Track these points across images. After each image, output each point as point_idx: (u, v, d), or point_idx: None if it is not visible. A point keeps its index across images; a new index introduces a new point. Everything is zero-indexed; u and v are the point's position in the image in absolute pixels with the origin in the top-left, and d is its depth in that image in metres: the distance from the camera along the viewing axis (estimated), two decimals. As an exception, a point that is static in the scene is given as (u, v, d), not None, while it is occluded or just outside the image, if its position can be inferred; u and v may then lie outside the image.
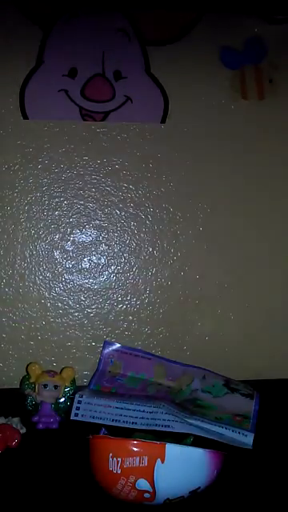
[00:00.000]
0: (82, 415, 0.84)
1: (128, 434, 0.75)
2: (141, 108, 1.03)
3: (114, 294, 1.03)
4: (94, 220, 1.03)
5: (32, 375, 0.89)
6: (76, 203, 1.02)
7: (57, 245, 1.02)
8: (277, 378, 1.06)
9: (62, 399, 0.89)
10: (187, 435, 0.75)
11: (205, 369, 0.97)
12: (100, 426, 0.75)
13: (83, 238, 1.03)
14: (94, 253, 1.03)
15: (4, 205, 1.00)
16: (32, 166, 1.01)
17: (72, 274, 1.02)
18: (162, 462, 0.55)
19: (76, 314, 1.02)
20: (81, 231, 1.02)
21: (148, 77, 1.04)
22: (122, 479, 0.55)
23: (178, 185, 1.05)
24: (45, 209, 1.01)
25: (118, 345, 0.98)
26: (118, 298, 1.03)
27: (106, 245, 1.03)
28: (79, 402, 0.86)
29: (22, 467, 0.69)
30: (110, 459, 0.56)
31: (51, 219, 1.01)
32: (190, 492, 0.57)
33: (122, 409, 0.83)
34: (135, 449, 0.55)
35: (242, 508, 0.59)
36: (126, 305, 1.04)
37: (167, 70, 1.05)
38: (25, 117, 1.00)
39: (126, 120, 1.03)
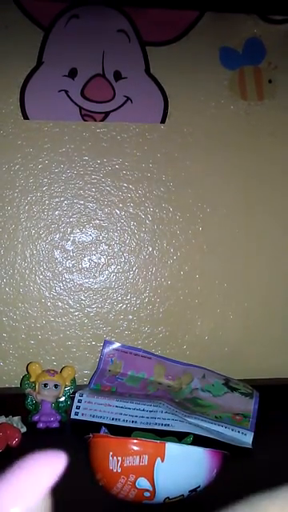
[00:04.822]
0: (82, 414, 0.85)
1: (128, 432, 0.75)
2: (141, 108, 1.04)
3: (114, 293, 1.04)
4: (94, 220, 1.03)
5: (32, 374, 0.90)
6: (76, 203, 1.03)
7: (57, 244, 1.02)
8: (276, 377, 1.06)
9: (63, 398, 0.89)
10: (187, 434, 0.76)
11: (205, 368, 0.97)
12: (100, 424, 0.76)
13: (83, 237, 1.03)
14: (94, 252, 1.03)
15: (4, 205, 1.00)
16: (32, 166, 1.01)
17: (72, 273, 1.02)
18: (162, 460, 0.55)
19: (76, 314, 1.02)
20: (81, 231, 1.03)
21: (148, 77, 1.04)
22: (122, 478, 0.56)
23: (177, 185, 1.05)
24: (45, 208, 1.01)
25: (118, 344, 0.99)
26: (118, 297, 1.04)
27: (106, 244, 1.03)
28: (79, 401, 0.86)
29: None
30: (110, 458, 0.56)
31: (51, 219, 1.02)
32: (189, 491, 0.57)
33: (122, 408, 0.84)
34: (135, 448, 0.56)
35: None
36: (126, 304, 1.04)
37: (167, 70, 1.05)
38: (25, 117, 1.00)
39: (126, 120, 1.03)
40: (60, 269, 1.02)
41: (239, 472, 0.68)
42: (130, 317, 1.04)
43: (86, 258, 1.03)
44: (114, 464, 0.56)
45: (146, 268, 1.04)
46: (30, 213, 1.01)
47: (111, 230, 1.04)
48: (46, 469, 0.20)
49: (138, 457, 0.55)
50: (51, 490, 0.20)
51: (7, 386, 0.99)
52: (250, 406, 0.88)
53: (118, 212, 1.04)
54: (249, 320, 1.08)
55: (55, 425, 0.85)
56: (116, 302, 1.04)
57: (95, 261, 1.03)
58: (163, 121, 1.05)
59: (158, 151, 1.05)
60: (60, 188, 1.02)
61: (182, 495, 0.57)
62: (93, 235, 1.03)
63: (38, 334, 1.01)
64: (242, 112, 1.08)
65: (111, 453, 0.56)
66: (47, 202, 1.01)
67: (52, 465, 0.20)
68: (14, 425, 0.80)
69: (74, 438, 0.80)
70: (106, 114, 1.03)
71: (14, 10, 1.00)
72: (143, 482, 0.55)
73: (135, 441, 0.56)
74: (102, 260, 1.03)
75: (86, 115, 1.02)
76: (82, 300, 1.03)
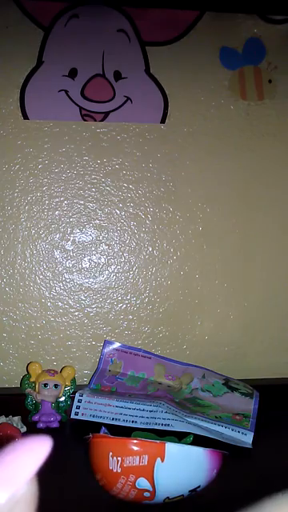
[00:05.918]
0: (82, 414, 0.85)
1: (128, 432, 0.75)
2: (141, 108, 1.04)
3: (114, 293, 1.04)
4: (94, 220, 1.03)
5: (32, 374, 0.90)
6: (76, 203, 1.03)
7: (57, 244, 1.02)
8: (276, 376, 1.06)
9: (63, 398, 0.89)
10: (187, 434, 0.76)
11: (205, 368, 0.97)
12: (100, 424, 0.76)
13: (83, 237, 1.03)
14: (94, 252, 1.03)
15: (4, 205, 1.00)
16: (32, 166, 1.01)
17: (72, 273, 1.02)
18: (162, 460, 0.55)
19: (76, 314, 1.02)
20: (81, 231, 1.03)
21: (148, 77, 1.04)
22: (121, 478, 0.56)
23: (177, 185, 1.05)
24: (45, 208, 1.01)
25: (118, 344, 0.99)
26: (117, 297, 1.04)
27: (105, 244, 1.03)
28: (79, 400, 0.87)
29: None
30: (110, 458, 0.56)
31: (51, 219, 1.02)
32: (189, 491, 0.57)
33: (121, 407, 0.84)
34: (135, 448, 0.56)
35: (242, 507, 0.60)
36: (126, 304, 1.04)
37: (167, 70, 1.05)
38: (25, 117, 1.00)
39: (125, 120, 1.03)
40: (60, 269, 1.02)
41: (239, 472, 0.68)
42: (130, 317, 1.04)
43: (85, 258, 1.03)
44: (113, 464, 0.56)
45: (146, 268, 1.04)
46: (30, 213, 1.01)
47: (111, 229, 1.04)
48: (30, 453, 0.20)
49: (138, 457, 0.55)
50: (37, 474, 0.21)
51: (7, 386, 0.99)
52: (250, 405, 0.88)
53: (118, 212, 1.04)
54: (249, 320, 1.08)
55: (55, 425, 0.85)
56: (116, 302, 1.04)
57: (95, 261, 1.03)
58: (163, 121, 1.05)
59: (157, 151, 1.05)
60: (60, 188, 1.02)
61: (182, 495, 0.57)
62: (93, 235, 1.03)
63: (38, 334, 1.01)
64: (242, 112, 1.08)
65: (111, 453, 0.56)
66: (47, 201, 1.02)
67: (36, 449, 0.20)
68: (14, 425, 0.80)
69: (74, 437, 0.80)
70: (106, 114, 1.03)
71: (15, 9, 1.00)
72: (143, 482, 0.55)
73: (135, 441, 0.56)
74: (102, 260, 1.03)
75: (86, 115, 1.02)
76: (81, 300, 1.03)
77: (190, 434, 0.76)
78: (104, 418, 0.83)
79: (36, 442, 0.21)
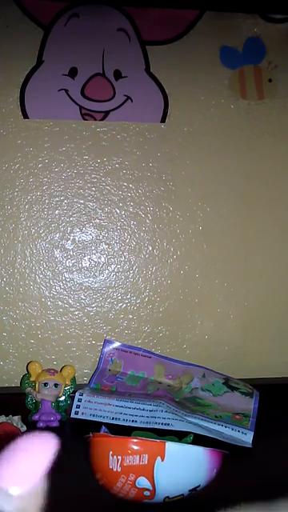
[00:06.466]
0: (82, 413, 0.85)
1: (128, 432, 0.75)
2: (141, 107, 1.04)
3: (114, 292, 1.04)
4: (94, 219, 1.03)
5: (32, 374, 0.90)
6: (76, 202, 1.02)
7: (57, 244, 1.02)
8: (276, 376, 1.06)
9: (63, 398, 0.89)
10: (187, 433, 0.76)
11: (205, 367, 0.97)
12: (100, 424, 0.76)
13: (83, 236, 1.03)
14: (94, 251, 1.03)
15: (4, 204, 1.00)
16: (32, 165, 1.01)
17: (72, 272, 1.02)
18: (162, 460, 0.55)
19: (76, 313, 1.02)
20: (81, 230, 1.03)
21: (148, 76, 1.04)
22: (122, 477, 0.56)
23: (177, 184, 1.05)
24: (45, 208, 1.01)
25: (119, 343, 0.99)
26: (118, 296, 1.04)
27: (106, 244, 1.03)
28: (79, 400, 0.86)
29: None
30: (111, 457, 0.56)
31: (51, 218, 1.02)
32: (189, 490, 0.57)
33: (122, 407, 0.84)
34: (135, 447, 0.56)
35: (242, 507, 0.60)
36: (126, 303, 1.04)
37: (167, 69, 1.05)
38: (25, 116, 1.00)
39: (126, 119, 1.03)
40: (60, 268, 1.02)
41: (239, 472, 0.68)
42: (130, 316, 1.04)
43: (85, 258, 1.03)
44: (113, 463, 0.56)
45: (146, 267, 1.04)
46: (29, 212, 1.01)
47: (111, 229, 1.03)
48: (42, 449, 0.20)
49: (138, 456, 0.55)
50: (48, 471, 0.21)
51: (7, 385, 0.99)
52: (250, 405, 0.88)
53: (118, 211, 1.04)
54: (249, 319, 1.08)
55: (55, 424, 0.85)
56: (116, 302, 1.04)
57: (95, 260, 1.03)
58: (163, 120, 1.05)
59: (157, 150, 1.05)
60: (60, 187, 1.02)
61: (182, 494, 0.57)
62: (93, 234, 1.03)
63: (38, 334, 1.01)
64: (242, 111, 1.07)
65: (111, 452, 0.56)
66: (47, 201, 1.01)
67: (47, 445, 0.20)
68: (14, 424, 0.80)
69: (74, 437, 0.80)
70: (106, 113, 1.03)
71: (14, 9, 1.00)
72: (143, 482, 0.55)
73: (135, 440, 0.56)
74: (102, 259, 1.03)
75: (86, 114, 1.02)
76: (81, 299, 1.02)
77: (189, 433, 0.76)
78: (104, 417, 0.83)
79: (44, 439, 0.21)
